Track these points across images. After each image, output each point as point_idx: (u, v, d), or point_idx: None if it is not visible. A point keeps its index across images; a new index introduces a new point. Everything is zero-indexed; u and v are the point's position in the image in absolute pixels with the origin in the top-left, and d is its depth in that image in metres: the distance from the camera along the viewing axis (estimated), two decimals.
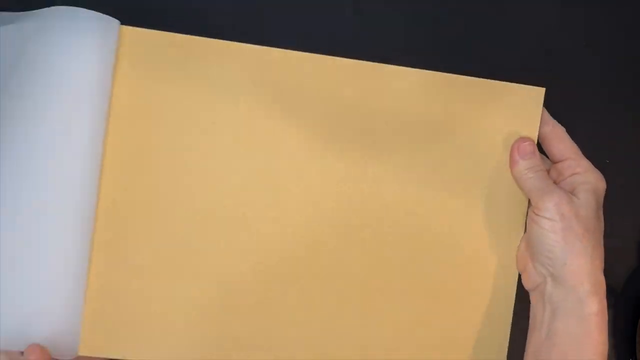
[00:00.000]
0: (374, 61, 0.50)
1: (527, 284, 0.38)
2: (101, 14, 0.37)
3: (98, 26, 0.36)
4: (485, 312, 0.38)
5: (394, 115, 0.38)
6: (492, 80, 0.39)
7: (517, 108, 0.38)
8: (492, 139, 0.38)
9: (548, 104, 0.50)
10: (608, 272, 0.48)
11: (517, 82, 0.48)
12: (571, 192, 0.36)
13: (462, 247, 0.38)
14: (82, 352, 0.36)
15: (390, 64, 0.42)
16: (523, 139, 0.37)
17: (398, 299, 0.38)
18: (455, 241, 0.38)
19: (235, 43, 0.37)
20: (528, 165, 0.36)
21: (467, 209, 0.38)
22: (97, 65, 0.36)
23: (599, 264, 0.35)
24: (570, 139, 0.38)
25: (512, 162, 0.37)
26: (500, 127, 0.38)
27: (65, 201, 0.36)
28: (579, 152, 0.37)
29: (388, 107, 0.38)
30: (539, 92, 0.38)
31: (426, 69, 0.49)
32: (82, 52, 0.36)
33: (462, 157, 0.38)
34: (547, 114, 0.39)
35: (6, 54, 0.36)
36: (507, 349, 0.39)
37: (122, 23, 0.38)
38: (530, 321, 0.36)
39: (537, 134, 0.38)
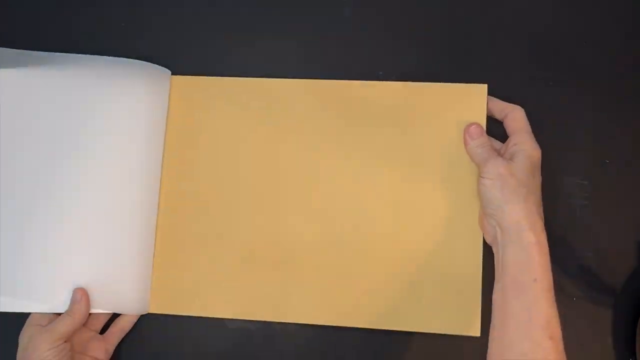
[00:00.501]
0: (373, 59, 0.50)
1: (487, 239, 0.45)
2: (157, 65, 0.49)
3: (154, 74, 0.48)
4: (459, 265, 0.46)
5: (374, 120, 0.48)
6: (446, 83, 0.48)
7: (467, 102, 0.48)
8: (449, 129, 0.48)
9: (549, 104, 0.50)
10: (608, 272, 0.48)
11: (517, 82, 0.50)
12: (510, 159, 0.43)
13: (435, 216, 0.47)
14: (152, 310, 0.47)
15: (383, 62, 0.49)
16: (472, 123, 0.46)
17: (390, 261, 0.47)
18: (430, 211, 0.47)
19: (251, 79, 0.49)
20: (476, 144, 0.45)
21: (436, 185, 0.47)
22: (155, 102, 0.48)
23: (535, 209, 0.41)
24: (524, 120, 0.45)
25: (465, 142, 0.47)
26: (455, 119, 0.47)
27: (134, 198, 0.47)
28: (525, 129, 0.45)
29: (369, 115, 0.48)
30: (483, 88, 0.48)
31: (426, 66, 0.50)
32: (143, 93, 0.47)
33: (428, 146, 0.48)
34: (505, 103, 0.47)
35: (74, 95, 0.47)
36: (480, 292, 0.46)
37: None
38: (495, 265, 0.43)
39: (485, 120, 0.47)
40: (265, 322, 0.47)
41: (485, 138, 0.46)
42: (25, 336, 0.44)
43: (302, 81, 0.48)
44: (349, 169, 0.48)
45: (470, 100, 0.48)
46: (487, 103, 0.47)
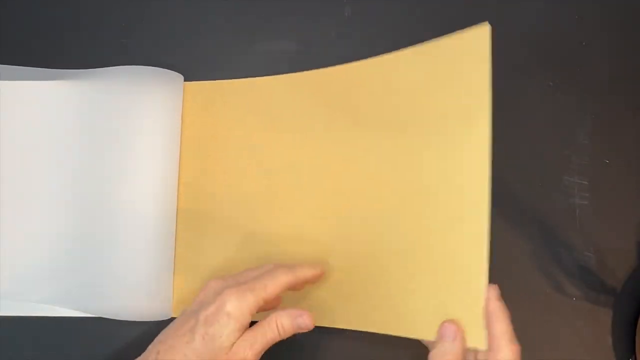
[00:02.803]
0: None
1: None
2: (170, 70, 0.49)
3: (168, 79, 0.49)
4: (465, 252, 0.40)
5: (373, 104, 0.45)
6: (440, 39, 0.40)
7: (466, 56, 0.39)
8: (450, 102, 0.40)
9: (549, 104, 0.50)
10: (608, 272, 0.48)
11: (517, 82, 0.50)
12: None
13: (437, 201, 0.41)
14: (175, 315, 0.46)
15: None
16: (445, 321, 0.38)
17: (397, 249, 0.43)
18: (431, 197, 0.41)
19: (259, 78, 0.49)
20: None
21: (437, 164, 0.41)
22: (169, 106, 0.48)
23: None
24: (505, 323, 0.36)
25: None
26: (455, 86, 0.40)
27: (154, 203, 0.47)
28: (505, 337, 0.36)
29: (368, 98, 0.45)
30: (484, 31, 0.38)
31: None
32: (159, 99, 0.48)
33: (427, 126, 0.41)
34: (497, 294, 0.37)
35: (89, 106, 0.48)
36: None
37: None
38: None
39: (489, 77, 0.39)
40: None
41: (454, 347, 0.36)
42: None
43: (299, 74, 0.49)
44: (359, 164, 0.46)
45: (470, 51, 0.40)
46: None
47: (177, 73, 0.50)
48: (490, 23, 0.51)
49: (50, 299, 0.46)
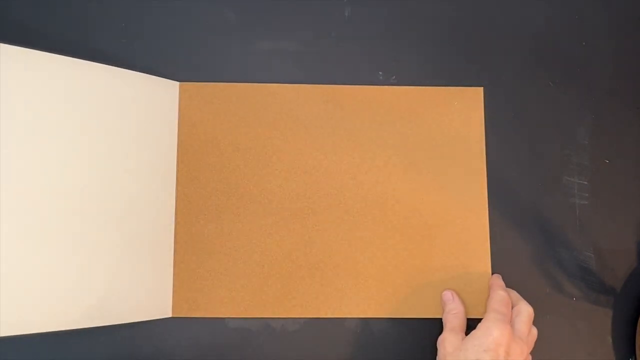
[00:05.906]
0: (373, 60, 0.50)
1: None
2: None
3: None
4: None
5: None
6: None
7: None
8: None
9: (549, 104, 0.50)
10: (608, 272, 0.48)
11: (517, 82, 0.50)
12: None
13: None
14: (175, 314, 0.48)
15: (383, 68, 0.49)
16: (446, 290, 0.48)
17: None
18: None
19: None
20: (447, 310, 0.47)
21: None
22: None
23: None
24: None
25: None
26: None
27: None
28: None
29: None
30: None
31: (426, 66, 0.50)
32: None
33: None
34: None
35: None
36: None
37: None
38: None
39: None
40: (265, 322, 0.48)
41: (455, 305, 0.46)
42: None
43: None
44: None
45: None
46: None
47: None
48: (491, 23, 0.51)
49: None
